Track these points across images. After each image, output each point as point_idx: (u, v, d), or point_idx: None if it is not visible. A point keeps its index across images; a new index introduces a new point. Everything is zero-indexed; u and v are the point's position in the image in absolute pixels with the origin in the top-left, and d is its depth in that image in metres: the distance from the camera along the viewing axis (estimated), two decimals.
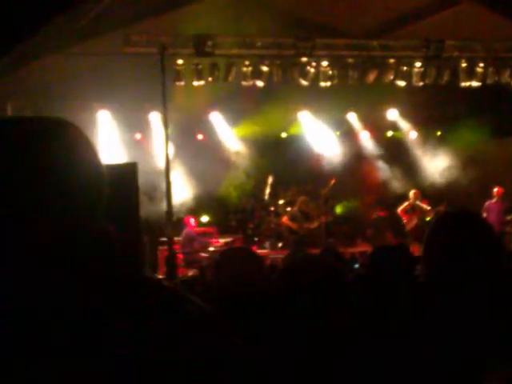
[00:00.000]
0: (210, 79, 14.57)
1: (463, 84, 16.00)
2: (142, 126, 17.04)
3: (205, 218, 18.04)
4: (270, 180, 17.57)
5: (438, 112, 18.90)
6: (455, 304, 2.62)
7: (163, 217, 13.46)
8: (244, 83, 14.89)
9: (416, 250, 9.69)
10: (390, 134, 19.72)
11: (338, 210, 18.71)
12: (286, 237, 16.49)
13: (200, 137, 18.18)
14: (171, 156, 13.83)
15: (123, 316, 1.45)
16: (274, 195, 17.76)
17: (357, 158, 19.34)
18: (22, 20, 9.18)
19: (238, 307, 3.91)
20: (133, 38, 13.61)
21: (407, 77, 15.71)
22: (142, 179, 9.09)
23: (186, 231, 15.84)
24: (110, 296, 1.48)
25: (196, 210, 17.31)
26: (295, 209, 16.44)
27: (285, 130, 18.94)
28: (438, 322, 2.60)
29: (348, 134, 19.32)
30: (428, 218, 16.06)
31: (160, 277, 14.01)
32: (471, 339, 2.44)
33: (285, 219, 16.46)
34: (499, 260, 2.66)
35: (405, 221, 16.69)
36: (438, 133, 19.71)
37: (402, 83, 15.77)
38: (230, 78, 14.67)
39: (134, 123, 16.96)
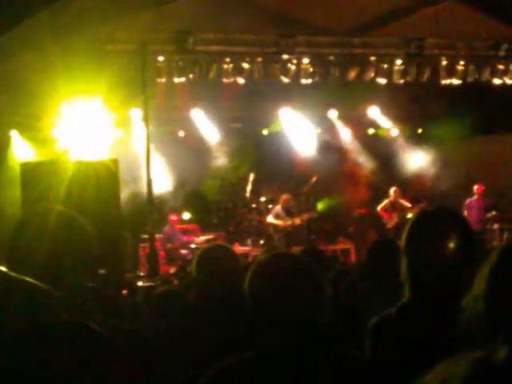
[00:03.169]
0: (190, 76, 14.54)
1: (444, 82, 16.07)
2: (123, 123, 16.95)
3: (186, 215, 18.00)
4: (252, 177, 17.55)
5: (419, 109, 18.95)
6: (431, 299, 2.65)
7: (145, 213, 13.44)
8: (225, 80, 14.87)
9: None
10: (371, 131, 19.74)
11: (320, 206, 18.73)
12: (270, 234, 16.50)
13: (181, 134, 18.11)
14: (152, 153, 13.77)
15: None
16: (256, 193, 17.75)
17: (338, 155, 19.35)
18: (1, 16, 9.12)
19: (217, 304, 3.91)
20: (114, 35, 13.56)
21: (388, 74, 15.75)
22: (123, 176, 9.08)
23: (166, 228, 15.84)
24: None
25: (178, 207, 17.27)
26: (278, 206, 16.45)
27: (266, 127, 18.90)
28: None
29: (329, 132, 19.32)
30: (409, 216, 16.12)
31: (141, 274, 14.01)
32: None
33: (268, 217, 16.47)
34: (475, 257, 2.68)
35: (385, 219, 16.74)
36: (419, 130, 19.78)
37: (382, 81, 15.81)
38: (211, 75, 14.65)
39: (115, 120, 16.88)
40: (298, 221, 16.32)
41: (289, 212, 16.41)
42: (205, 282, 4.05)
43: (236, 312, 3.30)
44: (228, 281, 3.90)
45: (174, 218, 16.14)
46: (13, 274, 1.87)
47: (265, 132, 19.01)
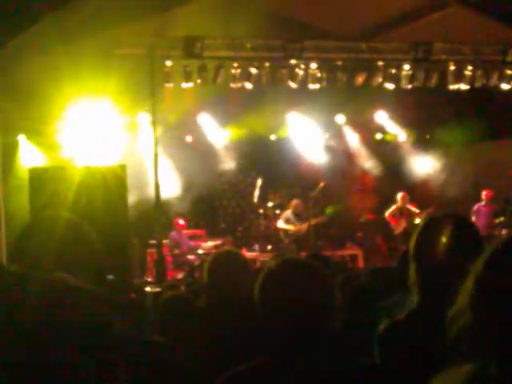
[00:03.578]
0: (198, 81, 14.55)
1: (451, 87, 16.04)
2: (131, 127, 16.96)
3: (194, 220, 18.00)
4: (259, 183, 17.55)
5: (427, 115, 18.92)
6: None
7: (152, 219, 13.43)
8: (233, 85, 14.87)
9: None
10: (378, 136, 19.72)
11: (328, 211, 18.70)
12: (278, 240, 16.50)
13: (189, 139, 18.12)
14: (160, 156, 13.77)
15: None
16: (263, 198, 17.75)
17: (345, 160, 19.34)
18: (9, 20, 9.14)
19: (226, 308, 3.90)
20: (122, 39, 13.58)
21: (396, 79, 15.73)
22: (130, 181, 9.08)
23: (173, 233, 15.82)
24: None
25: (185, 212, 17.26)
26: (288, 211, 16.46)
27: (274, 132, 18.90)
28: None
29: (336, 137, 19.31)
30: (416, 221, 16.09)
31: (149, 279, 14.01)
32: None
33: (279, 222, 16.47)
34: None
35: (393, 225, 16.71)
36: (427, 135, 19.75)
37: (390, 86, 15.79)
38: (219, 80, 14.65)
39: (123, 124, 16.90)
40: (308, 225, 16.35)
41: (299, 217, 16.43)
42: (216, 287, 4.04)
43: (246, 318, 3.29)
44: (239, 287, 3.89)
45: (181, 222, 16.12)
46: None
47: (272, 137, 19.00)
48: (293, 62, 14.97)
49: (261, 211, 17.78)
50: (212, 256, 4.29)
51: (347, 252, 16.99)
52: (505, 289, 1.54)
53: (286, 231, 16.33)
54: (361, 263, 16.41)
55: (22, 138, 15.97)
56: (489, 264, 1.61)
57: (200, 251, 15.50)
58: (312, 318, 2.49)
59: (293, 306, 2.48)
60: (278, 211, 16.97)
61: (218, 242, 16.09)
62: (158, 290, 7.98)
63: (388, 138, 19.80)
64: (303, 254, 12.09)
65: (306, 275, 2.59)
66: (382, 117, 19.15)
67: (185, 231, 16.33)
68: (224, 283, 4.01)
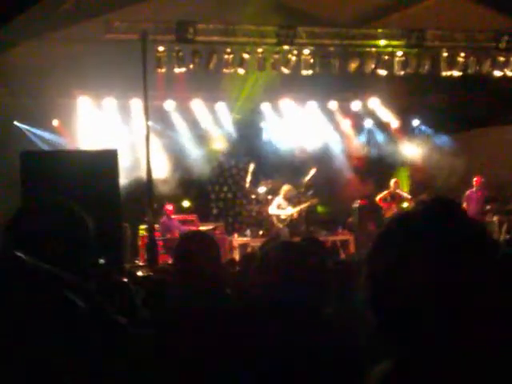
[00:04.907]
0: (191, 66, 14.53)
1: (444, 73, 16.05)
2: (123, 113, 16.94)
3: (186, 203, 17.99)
4: (251, 168, 17.55)
5: (419, 101, 18.94)
6: None
7: (144, 203, 13.43)
8: (225, 70, 14.86)
9: None
10: (371, 122, 19.72)
11: (319, 210, 18.72)
12: (270, 225, 16.49)
13: (180, 123, 18.08)
14: (152, 143, 13.75)
15: None
16: (255, 183, 17.75)
17: (338, 146, 19.38)
18: (1, 6, 9.09)
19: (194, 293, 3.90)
20: (114, 24, 13.53)
21: (388, 66, 15.73)
22: (121, 164, 9.08)
23: (163, 219, 15.79)
24: None
25: (177, 195, 17.24)
26: (280, 197, 16.46)
27: (265, 118, 18.89)
28: None
29: (329, 122, 19.31)
30: (404, 205, 16.15)
31: (141, 264, 14.03)
32: None
33: (271, 208, 16.47)
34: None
35: (384, 209, 16.75)
36: (419, 122, 19.77)
37: (383, 72, 15.80)
38: (211, 66, 14.63)
39: (114, 110, 16.89)
40: (300, 210, 16.40)
41: (290, 202, 16.44)
42: (182, 271, 4.03)
43: (215, 300, 3.32)
44: (206, 269, 3.88)
45: (169, 207, 16.04)
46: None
47: (264, 123, 19.00)
48: (285, 47, 14.97)
49: (253, 197, 17.79)
50: (178, 240, 4.30)
51: (339, 237, 17.02)
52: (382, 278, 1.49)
53: (278, 216, 16.34)
54: (352, 249, 16.44)
55: (15, 123, 15.95)
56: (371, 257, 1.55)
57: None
58: (307, 300, 2.51)
59: (289, 288, 2.51)
60: (270, 197, 16.98)
61: (210, 227, 16.09)
62: (149, 273, 8.01)
63: (380, 124, 19.80)
64: (296, 239, 12.12)
65: (303, 259, 2.62)
66: (374, 103, 19.16)
67: (176, 216, 16.30)
68: (189, 266, 3.98)
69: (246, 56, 14.81)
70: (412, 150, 19.17)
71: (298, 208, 16.38)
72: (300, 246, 2.89)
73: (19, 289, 1.75)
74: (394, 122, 19.68)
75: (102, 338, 1.96)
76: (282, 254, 2.68)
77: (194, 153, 17.80)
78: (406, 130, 19.75)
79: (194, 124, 17.98)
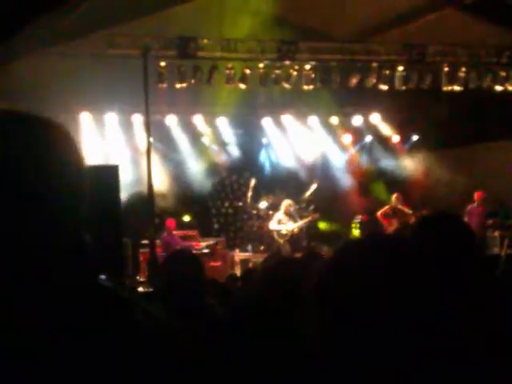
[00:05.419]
0: (192, 81, 14.54)
1: (445, 88, 16.06)
2: (124, 128, 16.94)
3: (187, 218, 17.96)
4: (253, 183, 17.55)
5: (420, 116, 18.94)
6: None
7: (145, 219, 13.39)
8: (227, 86, 14.88)
9: None
10: (372, 137, 19.72)
11: (321, 226, 18.69)
12: (271, 240, 16.46)
13: (183, 139, 18.08)
14: (153, 158, 13.74)
15: (69, 327, 1.40)
16: (256, 199, 17.74)
17: (339, 161, 19.39)
18: (2, 20, 9.11)
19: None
20: (116, 39, 13.55)
21: (390, 81, 15.75)
22: (123, 181, 9.07)
23: (164, 235, 15.69)
24: (59, 306, 1.42)
25: (178, 210, 17.22)
26: (280, 212, 16.44)
27: (266, 133, 18.89)
28: None
29: (329, 138, 19.31)
30: (409, 222, 16.10)
31: (142, 280, 13.98)
32: None
33: (271, 224, 16.43)
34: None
35: (385, 224, 16.70)
36: (420, 137, 19.76)
37: (384, 87, 15.81)
38: (213, 81, 14.64)
39: (116, 125, 16.89)
40: (301, 225, 16.39)
41: (291, 217, 16.42)
42: (168, 290, 4.02)
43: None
44: (188, 287, 3.88)
45: (171, 223, 15.97)
46: None
47: (265, 138, 19.01)
48: (287, 63, 14.98)
49: (254, 212, 17.77)
50: (164, 258, 4.30)
51: None
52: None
53: (279, 232, 16.31)
54: None
55: None
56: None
57: (193, 252, 15.43)
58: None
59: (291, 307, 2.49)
60: (271, 212, 16.96)
61: (211, 242, 16.05)
62: (150, 290, 7.99)
63: (381, 138, 19.79)
64: (298, 254, 12.09)
65: (306, 276, 2.60)
66: (375, 118, 19.16)
67: (177, 232, 16.24)
68: (172, 285, 3.99)
69: (247, 71, 14.82)
70: (413, 165, 19.15)
71: (298, 223, 16.37)
72: (301, 262, 2.87)
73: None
74: (395, 137, 19.68)
75: None
76: (283, 270, 2.65)
77: (195, 168, 17.78)
78: (407, 145, 19.74)
79: (195, 139, 17.98)
